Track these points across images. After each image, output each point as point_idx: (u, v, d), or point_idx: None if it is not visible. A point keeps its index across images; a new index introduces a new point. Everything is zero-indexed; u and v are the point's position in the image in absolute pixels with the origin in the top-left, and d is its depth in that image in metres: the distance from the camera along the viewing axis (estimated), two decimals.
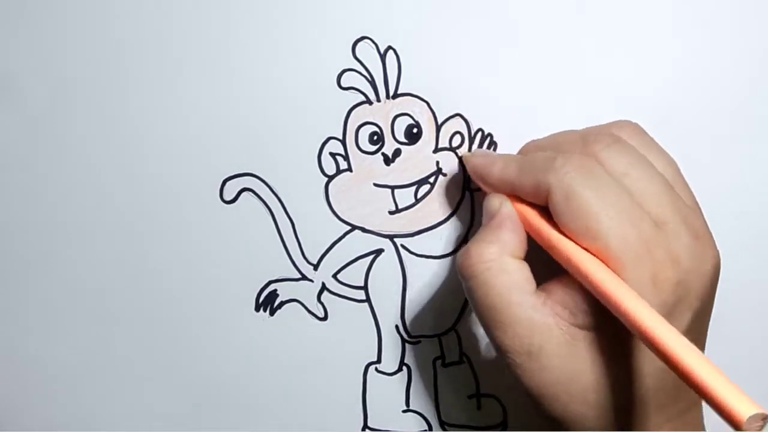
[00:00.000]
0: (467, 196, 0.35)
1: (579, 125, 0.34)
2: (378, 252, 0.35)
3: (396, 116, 0.34)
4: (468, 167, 0.32)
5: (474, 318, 0.35)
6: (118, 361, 0.36)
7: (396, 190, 0.35)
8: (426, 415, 0.37)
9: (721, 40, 0.34)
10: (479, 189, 0.35)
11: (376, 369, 0.36)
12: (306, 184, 0.34)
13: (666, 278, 0.26)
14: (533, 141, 0.33)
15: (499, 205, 0.30)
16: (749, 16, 0.34)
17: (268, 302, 0.35)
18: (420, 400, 0.37)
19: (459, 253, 0.30)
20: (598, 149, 0.28)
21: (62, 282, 0.35)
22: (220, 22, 0.33)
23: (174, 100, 0.34)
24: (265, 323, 0.36)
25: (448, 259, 0.35)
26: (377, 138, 0.34)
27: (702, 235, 0.28)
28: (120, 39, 0.34)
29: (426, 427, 0.37)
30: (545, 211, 0.28)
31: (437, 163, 0.34)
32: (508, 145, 0.34)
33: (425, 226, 0.35)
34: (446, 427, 0.37)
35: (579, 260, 0.26)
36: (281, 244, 0.35)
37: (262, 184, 0.34)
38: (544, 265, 0.29)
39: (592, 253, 0.26)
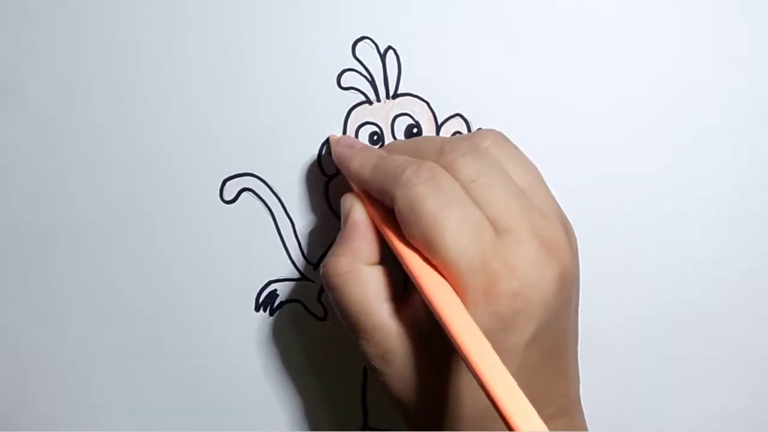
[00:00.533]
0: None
1: (579, 125, 0.34)
2: None
3: (396, 116, 0.34)
4: (333, 155, 0.32)
5: None
6: (117, 360, 0.36)
7: None
8: None
9: (721, 40, 0.34)
10: None
11: None
12: (306, 184, 0.34)
13: (500, 290, 0.25)
14: (396, 142, 0.33)
15: (350, 207, 0.30)
16: (750, 16, 0.34)
17: (268, 302, 0.35)
18: None
19: (321, 265, 0.30)
20: (452, 158, 0.28)
21: (62, 282, 0.35)
22: (220, 22, 0.33)
23: (174, 100, 0.34)
24: (265, 323, 0.36)
25: None
26: (377, 138, 0.34)
27: (551, 243, 0.27)
28: (120, 39, 0.34)
29: None
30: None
31: None
32: None
33: None
34: None
35: (415, 272, 0.26)
36: (281, 244, 0.35)
37: (262, 184, 0.34)
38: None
39: (434, 266, 0.26)
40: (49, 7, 0.33)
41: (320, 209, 0.35)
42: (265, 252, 0.35)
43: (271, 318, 0.36)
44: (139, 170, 0.34)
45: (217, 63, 0.34)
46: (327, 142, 0.34)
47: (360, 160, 0.30)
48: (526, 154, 0.34)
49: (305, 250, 0.35)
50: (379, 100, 0.34)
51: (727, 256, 0.36)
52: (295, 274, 0.35)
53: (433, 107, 0.34)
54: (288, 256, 0.35)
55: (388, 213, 0.28)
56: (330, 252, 0.30)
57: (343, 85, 0.34)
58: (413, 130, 0.34)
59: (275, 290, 0.35)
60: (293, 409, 0.37)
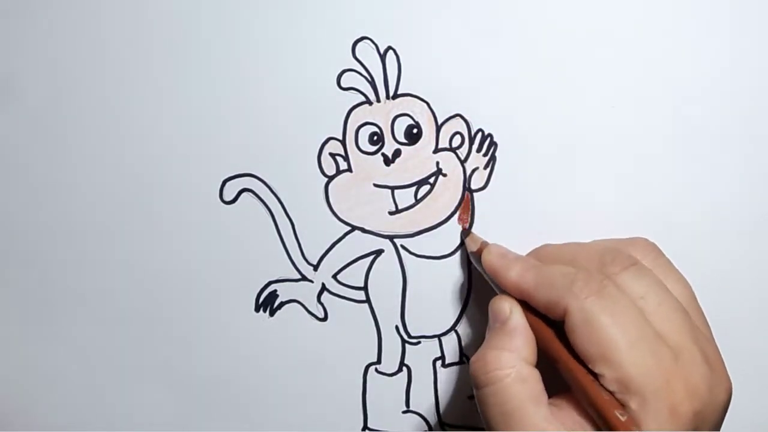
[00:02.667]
0: (467, 196, 0.35)
1: (579, 125, 0.34)
2: (378, 252, 0.35)
3: (396, 116, 0.34)
4: (484, 265, 0.32)
5: (474, 318, 0.35)
6: (117, 361, 0.36)
7: (396, 191, 0.34)
8: (426, 415, 0.37)
9: (722, 40, 0.34)
10: (479, 189, 0.35)
11: (376, 370, 0.36)
12: (306, 185, 0.34)
13: (685, 411, 0.26)
14: (549, 246, 0.33)
15: (509, 310, 0.30)
16: (750, 16, 0.34)
17: (268, 303, 0.35)
18: (420, 401, 0.37)
19: (473, 359, 0.29)
20: (615, 271, 0.28)
21: (62, 282, 0.35)
22: (220, 23, 0.33)
23: (174, 101, 0.34)
24: (265, 324, 0.36)
25: (448, 259, 0.35)
26: (377, 138, 0.34)
27: (716, 364, 0.28)
28: (120, 39, 0.34)
29: (426, 428, 0.37)
30: (553, 324, 0.28)
31: (437, 163, 0.34)
32: (509, 144, 0.34)
33: (425, 227, 0.35)
34: (446, 427, 0.37)
35: (591, 393, 0.26)
36: (281, 244, 0.35)
37: (262, 184, 0.34)
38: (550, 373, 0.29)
39: (605, 381, 0.26)
40: (48, 7, 0.33)
41: (320, 210, 0.34)
42: (265, 252, 0.35)
43: (271, 318, 0.36)
44: (139, 171, 0.34)
45: (217, 63, 0.34)
46: (463, 235, 0.34)
47: (519, 270, 0.30)
48: (526, 154, 0.34)
49: (305, 251, 0.35)
50: (379, 101, 0.34)
51: (727, 256, 0.35)
52: (295, 275, 0.35)
53: (433, 107, 0.34)
54: (288, 257, 0.35)
55: (546, 324, 0.28)
56: (486, 345, 0.29)
57: (343, 85, 0.34)
58: (413, 131, 0.34)
59: (275, 291, 0.35)
60: (293, 409, 0.37)
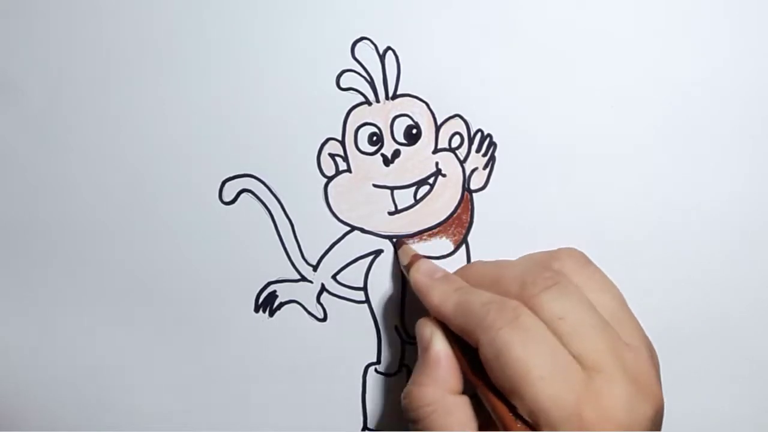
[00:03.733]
0: (467, 196, 0.35)
1: (578, 125, 0.34)
2: (377, 253, 0.35)
3: (395, 117, 0.34)
4: (411, 282, 0.32)
5: None
6: (117, 361, 0.36)
7: (395, 191, 0.34)
8: None
9: (722, 40, 0.34)
10: (478, 189, 0.35)
11: (376, 370, 0.36)
12: (305, 185, 0.34)
13: None
14: (477, 264, 0.32)
15: (430, 336, 0.30)
16: (750, 16, 0.34)
17: (267, 303, 0.35)
18: None
19: (402, 396, 0.30)
20: (535, 292, 0.28)
21: (62, 282, 0.35)
22: (220, 23, 0.33)
23: (173, 101, 0.34)
24: (265, 324, 0.36)
25: (448, 259, 0.35)
26: (376, 139, 0.34)
27: (641, 380, 0.27)
28: (119, 39, 0.34)
29: None
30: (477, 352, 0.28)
31: (437, 163, 0.34)
32: (508, 145, 0.34)
33: (425, 227, 0.35)
34: None
35: (505, 423, 0.26)
36: (280, 245, 0.35)
37: (262, 185, 0.34)
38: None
39: (520, 412, 0.26)
40: (48, 7, 0.33)
41: (319, 210, 0.34)
42: (265, 253, 0.35)
43: (271, 319, 0.36)
44: (139, 171, 0.34)
45: (217, 64, 0.34)
46: (396, 246, 0.34)
47: (440, 295, 0.30)
48: (526, 154, 0.34)
49: (304, 252, 0.35)
50: (378, 101, 0.34)
51: (727, 256, 0.35)
52: (295, 276, 0.35)
53: (432, 108, 0.34)
54: (287, 257, 0.35)
55: (469, 348, 0.28)
56: (411, 381, 0.30)
57: (343, 85, 0.34)
58: (412, 131, 0.34)
59: (274, 291, 0.35)
60: (293, 409, 0.37)
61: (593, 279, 0.29)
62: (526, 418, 0.26)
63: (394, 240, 0.35)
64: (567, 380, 0.25)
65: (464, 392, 0.29)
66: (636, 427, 0.26)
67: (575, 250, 0.30)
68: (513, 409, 0.26)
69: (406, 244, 0.34)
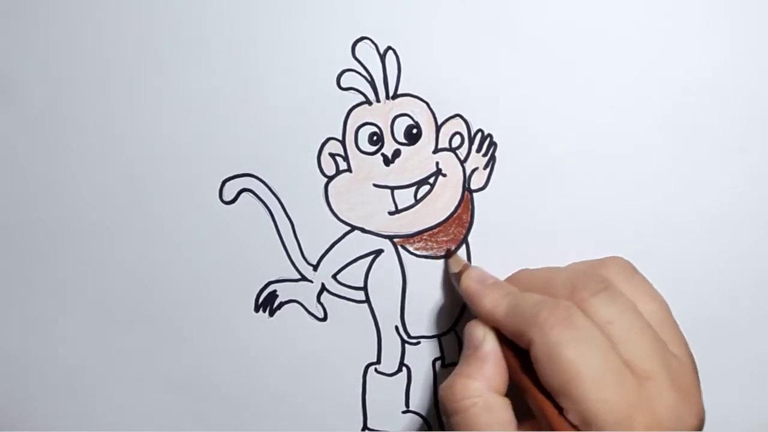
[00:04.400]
0: (467, 196, 0.35)
1: (578, 125, 0.34)
2: (378, 252, 0.35)
3: (396, 117, 0.34)
4: (462, 289, 0.32)
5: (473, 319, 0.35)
6: (117, 361, 0.36)
7: (396, 191, 0.34)
8: (426, 415, 0.37)
9: (722, 40, 0.34)
10: (479, 189, 0.35)
11: (376, 370, 0.36)
12: (305, 185, 0.34)
13: None
14: (525, 271, 0.33)
15: (482, 337, 0.30)
16: (750, 16, 0.34)
17: (267, 303, 0.35)
18: (420, 401, 0.36)
19: (442, 386, 0.30)
20: (585, 296, 0.28)
21: (61, 282, 0.35)
22: (220, 23, 0.33)
23: (174, 101, 0.34)
24: (265, 324, 0.36)
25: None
26: (377, 138, 0.34)
27: (688, 389, 0.27)
28: (119, 39, 0.34)
29: (426, 428, 0.37)
30: (527, 353, 0.28)
31: (437, 163, 0.34)
32: (509, 145, 0.34)
33: (425, 227, 0.35)
34: (446, 428, 0.37)
35: (553, 425, 0.26)
36: (281, 244, 0.35)
37: (262, 184, 0.34)
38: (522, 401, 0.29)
39: (568, 414, 0.26)
40: (48, 7, 0.33)
41: (320, 210, 0.34)
42: (265, 252, 0.35)
43: (271, 319, 0.36)
44: (139, 171, 0.34)
45: (217, 63, 0.34)
46: (446, 257, 0.34)
47: (492, 300, 0.30)
48: (526, 154, 0.34)
49: (305, 251, 0.35)
50: (378, 101, 0.34)
51: (727, 256, 0.35)
52: (295, 275, 0.35)
53: (432, 107, 0.34)
54: (287, 257, 0.35)
55: (519, 352, 0.28)
56: (456, 373, 0.29)
57: (343, 85, 0.34)
58: (413, 131, 0.34)
59: (275, 291, 0.35)
60: (293, 409, 0.37)
61: (640, 288, 0.30)
62: (574, 422, 0.26)
63: (445, 251, 0.34)
64: (619, 384, 0.26)
65: (507, 395, 0.29)
66: None
67: (623, 259, 0.31)
68: (560, 410, 0.26)
69: (456, 254, 0.34)
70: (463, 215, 0.35)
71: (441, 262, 0.35)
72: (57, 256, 0.35)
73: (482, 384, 0.28)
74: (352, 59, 0.33)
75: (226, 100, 0.34)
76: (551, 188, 0.35)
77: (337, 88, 0.34)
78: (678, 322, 0.30)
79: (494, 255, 0.34)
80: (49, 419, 0.37)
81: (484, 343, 0.29)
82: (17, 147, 0.34)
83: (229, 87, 0.34)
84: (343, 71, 0.34)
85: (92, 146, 0.34)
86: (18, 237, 0.35)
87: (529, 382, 0.28)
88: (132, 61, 0.34)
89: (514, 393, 0.29)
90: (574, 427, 0.26)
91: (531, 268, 0.33)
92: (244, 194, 0.34)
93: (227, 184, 0.34)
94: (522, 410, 0.29)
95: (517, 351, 0.29)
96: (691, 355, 0.29)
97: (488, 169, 0.35)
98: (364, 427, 0.37)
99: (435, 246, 0.35)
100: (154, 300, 0.35)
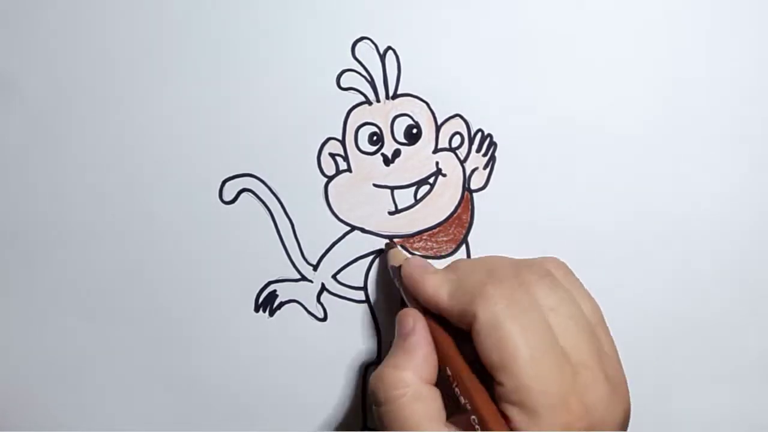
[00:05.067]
0: (467, 196, 0.35)
1: (578, 125, 0.34)
2: (377, 252, 0.35)
3: (395, 117, 0.34)
4: (403, 274, 0.31)
5: None
6: (117, 361, 0.36)
7: (395, 191, 0.34)
8: None
9: (722, 40, 0.34)
10: (479, 189, 0.35)
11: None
12: (305, 185, 0.34)
13: (578, 428, 0.25)
14: (464, 260, 0.33)
15: (413, 324, 0.29)
16: (751, 16, 0.34)
17: (267, 303, 0.35)
18: None
19: (372, 376, 0.29)
20: (531, 280, 0.28)
21: (62, 282, 0.35)
22: (220, 23, 0.33)
23: (174, 101, 0.34)
24: (265, 324, 0.36)
25: (448, 259, 0.35)
26: (377, 138, 0.34)
27: (617, 384, 0.27)
28: (119, 39, 0.34)
29: None
30: (461, 337, 0.28)
31: (437, 163, 0.34)
32: (508, 145, 0.34)
33: (425, 227, 0.35)
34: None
35: (483, 412, 0.26)
36: (281, 244, 0.35)
37: (262, 184, 0.34)
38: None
39: (504, 391, 0.26)
40: (48, 7, 0.33)
41: (320, 210, 0.34)
42: (265, 252, 0.35)
43: (271, 318, 0.36)
44: (139, 171, 0.34)
45: (217, 64, 0.34)
46: (387, 248, 0.34)
47: (435, 283, 0.30)
48: (526, 154, 0.34)
49: (305, 251, 0.35)
50: (378, 101, 0.34)
51: (727, 257, 0.35)
52: (295, 275, 0.35)
53: (432, 107, 0.34)
54: (287, 257, 0.35)
55: (451, 339, 0.28)
56: (386, 364, 0.29)
57: (343, 85, 0.34)
58: (413, 131, 0.34)
59: (275, 291, 0.35)
60: (293, 409, 0.37)
61: (576, 286, 0.30)
62: (510, 399, 0.25)
63: (386, 242, 0.34)
64: (557, 367, 0.26)
65: (436, 385, 0.29)
66: (611, 425, 0.26)
67: (559, 259, 0.31)
68: (493, 397, 0.26)
69: (396, 247, 0.34)
70: (462, 215, 0.35)
71: (441, 262, 0.35)
72: (57, 255, 0.35)
73: (411, 374, 0.28)
74: (352, 59, 0.33)
75: (227, 100, 0.34)
76: (551, 188, 0.35)
77: (337, 88, 0.34)
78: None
79: (494, 255, 0.34)
80: (49, 419, 0.37)
81: (414, 331, 0.29)
82: (17, 147, 0.34)
83: (229, 87, 0.34)
84: (343, 71, 0.34)
85: (92, 146, 0.34)
86: (18, 237, 0.35)
87: (462, 364, 0.27)
88: (132, 61, 0.34)
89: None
90: (504, 417, 0.26)
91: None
92: (244, 194, 0.34)
93: (227, 184, 0.34)
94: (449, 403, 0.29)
95: (453, 336, 0.28)
96: (620, 360, 0.29)
97: (488, 169, 0.35)
98: (364, 427, 0.37)
99: (435, 246, 0.35)
100: (154, 300, 0.35)
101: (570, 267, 0.30)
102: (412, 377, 0.28)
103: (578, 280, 0.30)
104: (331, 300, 0.36)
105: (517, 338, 0.26)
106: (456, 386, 0.28)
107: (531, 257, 0.31)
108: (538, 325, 0.26)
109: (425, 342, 0.29)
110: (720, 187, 0.35)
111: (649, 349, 0.36)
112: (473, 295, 0.27)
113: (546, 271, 0.29)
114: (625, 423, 0.28)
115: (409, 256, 0.34)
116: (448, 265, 0.32)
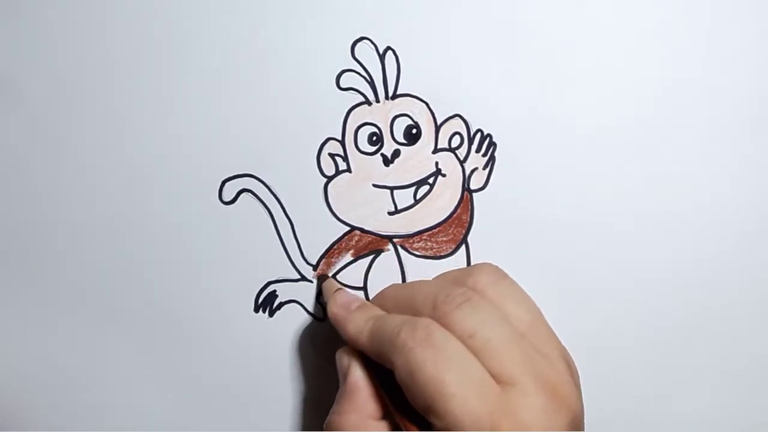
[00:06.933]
0: (467, 196, 0.35)
1: (578, 125, 0.34)
2: (377, 253, 0.35)
3: (395, 117, 0.34)
4: (329, 315, 0.32)
5: None
6: (117, 361, 0.36)
7: (395, 191, 0.34)
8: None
9: (721, 40, 0.34)
10: (478, 190, 0.35)
11: None
12: (305, 185, 0.34)
13: None
14: (392, 288, 0.33)
15: (348, 365, 0.30)
16: (751, 16, 0.34)
17: (267, 303, 0.35)
18: None
19: (324, 425, 0.30)
20: (447, 310, 0.28)
21: (61, 282, 0.35)
22: (220, 23, 0.33)
23: (174, 101, 0.34)
24: (265, 324, 0.36)
25: (448, 259, 0.35)
26: (376, 139, 0.34)
27: (557, 389, 0.27)
28: (119, 39, 0.34)
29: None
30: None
31: (436, 163, 0.34)
32: (509, 145, 0.34)
33: (424, 227, 0.35)
34: None
35: None
36: (280, 244, 0.35)
37: (262, 184, 0.34)
38: None
39: (439, 430, 0.26)
40: (48, 7, 0.33)
41: (319, 210, 0.34)
42: (264, 253, 0.35)
43: (271, 319, 0.36)
44: (139, 171, 0.34)
45: (217, 64, 0.34)
46: (320, 282, 0.35)
47: (356, 326, 0.30)
48: (526, 154, 0.34)
49: (304, 251, 0.35)
50: (378, 101, 0.34)
51: (726, 256, 0.35)
52: (295, 275, 0.35)
53: (432, 108, 0.34)
54: (287, 257, 0.35)
55: (387, 371, 0.28)
56: (332, 411, 0.30)
57: (342, 85, 0.34)
58: (412, 131, 0.34)
59: (274, 291, 0.35)
60: (293, 409, 0.37)
61: (508, 292, 0.30)
62: None
63: (314, 274, 0.35)
64: (480, 394, 0.26)
65: (384, 418, 0.29)
66: None
67: (490, 264, 0.31)
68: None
69: (329, 278, 0.35)
70: (462, 215, 0.35)
71: (441, 262, 0.35)
72: (56, 255, 0.35)
73: (357, 416, 0.29)
74: (352, 59, 0.33)
75: (226, 100, 0.34)
76: (551, 188, 0.35)
77: (337, 89, 0.34)
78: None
79: (494, 255, 0.34)
80: (49, 419, 0.37)
81: (351, 372, 0.30)
82: (17, 147, 0.34)
83: (229, 87, 0.34)
84: (343, 71, 0.34)
85: (92, 146, 0.34)
86: (18, 237, 0.35)
87: (391, 404, 0.28)
88: (132, 61, 0.34)
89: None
90: None
91: (400, 283, 0.34)
92: (244, 194, 0.34)
93: (227, 184, 0.34)
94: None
95: (385, 374, 0.29)
96: (564, 355, 0.29)
97: (488, 169, 0.35)
98: None
99: (435, 246, 0.35)
100: (154, 300, 0.35)
101: (503, 270, 0.30)
102: (358, 418, 0.29)
103: (510, 283, 0.30)
104: None
105: (434, 381, 0.26)
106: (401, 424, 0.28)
107: (460, 268, 0.32)
108: (456, 359, 0.26)
109: (362, 381, 0.30)
110: (720, 187, 0.35)
111: (649, 349, 0.36)
112: (390, 343, 0.28)
113: (464, 293, 0.29)
114: (573, 424, 0.27)
115: (338, 287, 0.34)
116: (376, 296, 0.33)
